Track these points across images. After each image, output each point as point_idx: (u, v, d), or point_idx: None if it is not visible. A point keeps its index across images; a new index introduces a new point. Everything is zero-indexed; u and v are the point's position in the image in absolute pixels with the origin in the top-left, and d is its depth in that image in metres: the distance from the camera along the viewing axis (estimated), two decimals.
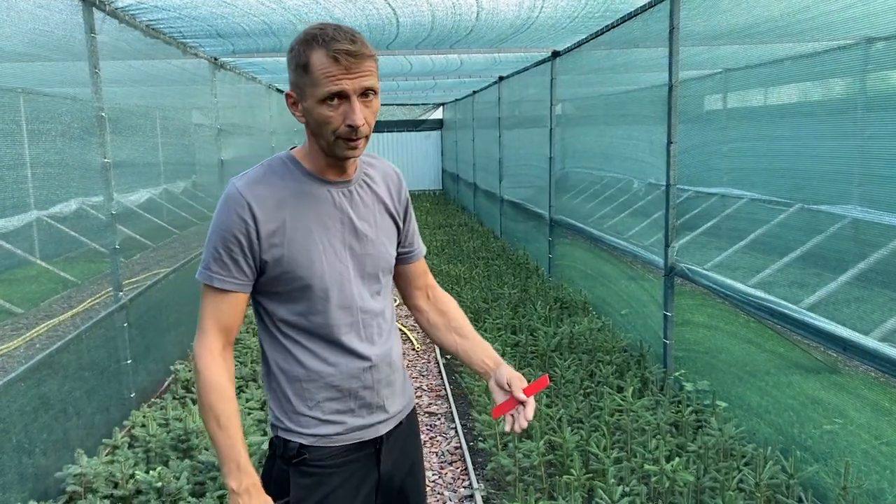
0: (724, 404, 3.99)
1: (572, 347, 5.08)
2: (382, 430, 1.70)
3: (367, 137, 1.53)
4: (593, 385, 4.41)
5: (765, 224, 7.73)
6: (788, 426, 3.91)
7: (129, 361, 4.47)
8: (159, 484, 3.14)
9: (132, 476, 3.33)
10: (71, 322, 6.96)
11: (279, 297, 1.60)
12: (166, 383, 5.14)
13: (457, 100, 15.96)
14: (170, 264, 5.65)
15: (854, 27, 5.57)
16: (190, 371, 5.01)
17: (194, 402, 4.47)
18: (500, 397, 1.73)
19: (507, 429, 1.70)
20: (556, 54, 7.37)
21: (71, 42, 4.04)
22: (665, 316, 4.60)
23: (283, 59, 7.60)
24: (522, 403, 1.69)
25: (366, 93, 1.48)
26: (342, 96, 1.47)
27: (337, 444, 1.64)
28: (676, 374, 4.50)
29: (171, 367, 5.13)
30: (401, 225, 1.78)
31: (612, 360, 4.71)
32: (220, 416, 1.53)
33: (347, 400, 1.64)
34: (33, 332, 6.54)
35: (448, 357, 5.71)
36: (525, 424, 1.67)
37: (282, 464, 1.63)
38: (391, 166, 1.79)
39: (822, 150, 6.55)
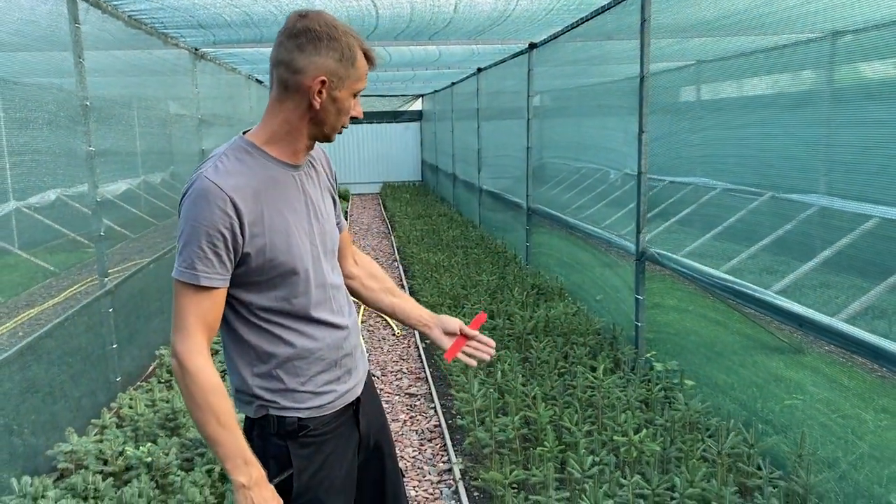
0: (691, 382, 4.17)
1: (548, 330, 5.25)
2: (358, 391, 1.84)
3: None
4: (567, 365, 4.58)
5: (736, 213, 7.93)
6: (752, 402, 4.11)
7: (114, 346, 4.57)
8: (149, 459, 3.25)
9: (121, 453, 3.44)
10: (53, 311, 7.00)
11: (258, 286, 1.64)
12: (151, 368, 5.23)
13: (436, 91, 16.05)
14: (150, 254, 5.73)
15: (820, 20, 5.77)
16: None
17: None
18: (447, 343, 1.97)
19: (474, 363, 1.97)
20: (532, 46, 7.51)
21: (56, 32, 4.11)
22: (637, 299, 4.78)
23: (264, 50, 7.67)
24: (471, 338, 1.98)
25: None
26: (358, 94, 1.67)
27: (329, 413, 1.74)
28: (647, 355, 4.68)
29: (156, 353, 5.22)
30: (336, 198, 1.90)
31: (586, 342, 4.88)
32: (221, 416, 1.54)
33: (334, 369, 1.75)
34: (16, 321, 6.58)
35: (427, 342, 5.85)
36: (492, 352, 1.97)
37: (278, 440, 1.69)
38: (318, 146, 1.86)
39: (790, 140, 6.76)
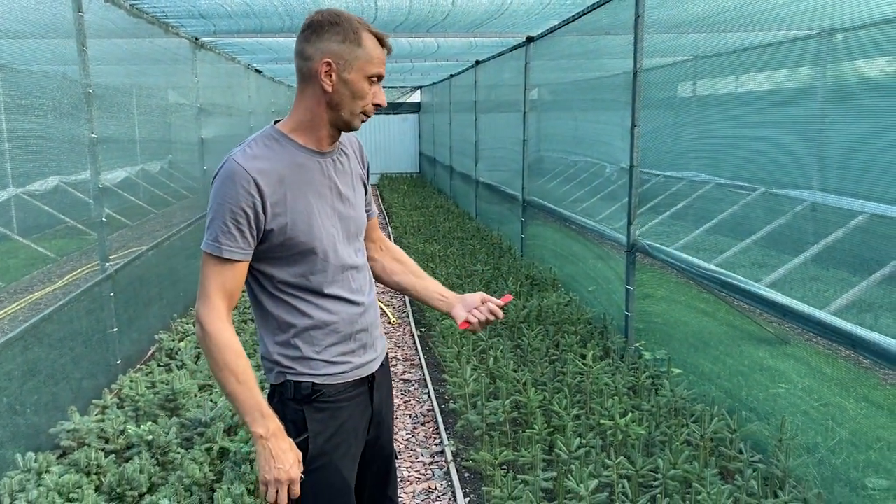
0: (678, 371, 4.28)
1: (540, 319, 5.35)
2: (374, 367, 1.94)
3: None
4: (558, 353, 4.68)
5: (729, 207, 8.03)
6: (737, 390, 4.22)
7: (114, 330, 4.66)
8: (150, 437, 3.35)
9: (122, 432, 3.53)
10: (53, 296, 7.08)
11: (280, 261, 1.77)
12: (150, 352, 5.33)
13: (434, 83, 16.11)
14: (149, 241, 5.81)
15: (813, 17, 5.86)
16: (173, 340, 5.20)
17: (179, 367, 4.67)
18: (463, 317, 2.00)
19: (474, 320, 1.96)
20: (530, 40, 7.58)
21: (60, 20, 4.18)
22: (627, 290, 4.88)
23: (263, 41, 7.73)
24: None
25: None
26: (379, 79, 1.74)
27: (342, 382, 1.84)
28: (637, 344, 4.79)
29: (155, 337, 5.31)
30: (367, 186, 2.00)
31: (577, 331, 4.99)
32: (239, 373, 1.68)
33: (349, 342, 1.85)
34: (17, 305, 6.67)
35: (422, 329, 5.95)
36: (495, 317, 1.96)
37: (295, 405, 1.80)
38: (353, 135, 1.97)
39: (783, 136, 6.86)
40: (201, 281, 1.72)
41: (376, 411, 1.96)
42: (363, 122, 1.79)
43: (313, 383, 1.80)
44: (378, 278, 2.12)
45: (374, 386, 1.95)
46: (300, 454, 1.74)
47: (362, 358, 1.89)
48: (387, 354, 2.06)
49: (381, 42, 1.74)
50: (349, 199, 1.86)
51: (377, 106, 1.77)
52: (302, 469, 1.74)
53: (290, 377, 1.81)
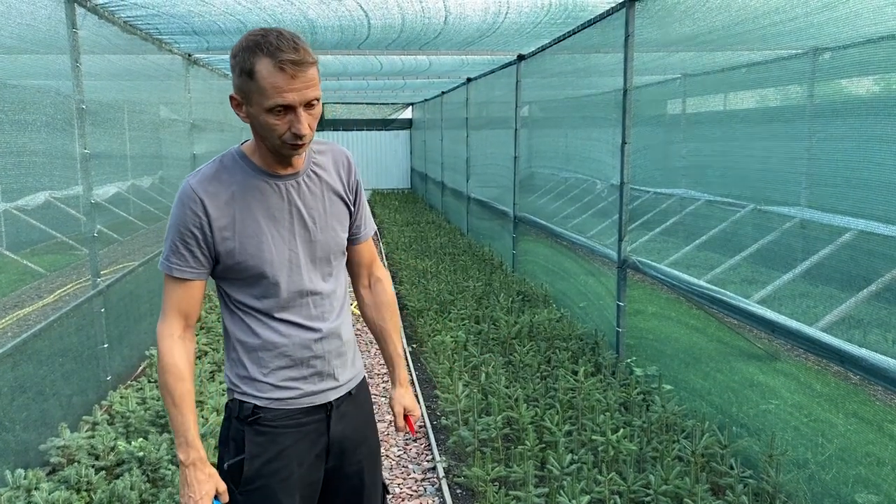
0: (669, 387, 4.30)
1: (532, 335, 5.37)
2: (332, 396, 1.86)
3: (310, 139, 1.68)
4: (549, 369, 4.70)
5: (720, 223, 8.10)
6: (728, 406, 4.24)
7: (105, 346, 4.64)
8: (141, 454, 3.34)
9: (113, 448, 3.52)
10: (42, 312, 7.05)
11: (235, 282, 1.77)
12: (141, 368, 5.30)
13: (426, 100, 16.20)
14: (140, 256, 5.80)
15: (800, 37, 5.94)
16: None
17: None
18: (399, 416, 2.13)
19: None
20: (521, 58, 7.65)
21: (54, 36, 4.20)
22: (618, 306, 4.90)
23: None
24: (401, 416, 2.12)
25: (310, 103, 1.61)
26: (288, 108, 1.59)
27: (289, 407, 1.81)
28: (628, 360, 4.80)
29: (146, 353, 5.29)
30: (352, 208, 1.91)
31: (569, 347, 5.00)
32: (175, 396, 1.71)
33: (300, 368, 1.81)
34: (5, 321, 6.63)
35: (414, 346, 5.95)
36: (402, 425, 2.12)
37: (238, 424, 1.80)
38: (342, 151, 1.90)
39: (772, 153, 6.95)
40: (163, 297, 1.78)
41: (336, 441, 1.88)
42: (295, 150, 1.67)
43: (255, 405, 1.79)
44: (360, 311, 2.12)
45: (333, 415, 1.86)
46: (222, 485, 1.77)
47: (316, 385, 1.83)
48: (364, 382, 2.00)
49: (280, 66, 1.55)
50: (316, 221, 1.80)
51: (297, 135, 1.62)
52: (219, 496, 1.77)
53: (236, 395, 1.82)
